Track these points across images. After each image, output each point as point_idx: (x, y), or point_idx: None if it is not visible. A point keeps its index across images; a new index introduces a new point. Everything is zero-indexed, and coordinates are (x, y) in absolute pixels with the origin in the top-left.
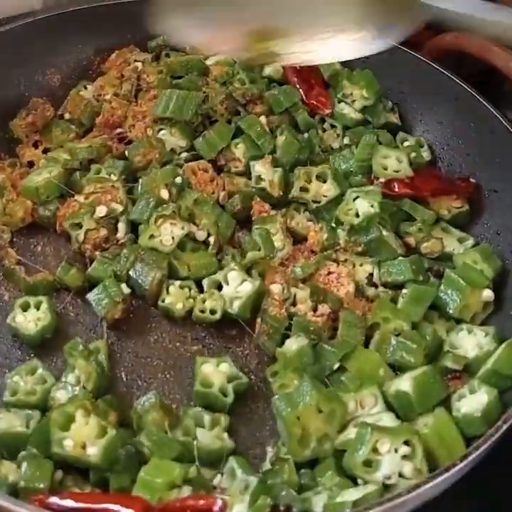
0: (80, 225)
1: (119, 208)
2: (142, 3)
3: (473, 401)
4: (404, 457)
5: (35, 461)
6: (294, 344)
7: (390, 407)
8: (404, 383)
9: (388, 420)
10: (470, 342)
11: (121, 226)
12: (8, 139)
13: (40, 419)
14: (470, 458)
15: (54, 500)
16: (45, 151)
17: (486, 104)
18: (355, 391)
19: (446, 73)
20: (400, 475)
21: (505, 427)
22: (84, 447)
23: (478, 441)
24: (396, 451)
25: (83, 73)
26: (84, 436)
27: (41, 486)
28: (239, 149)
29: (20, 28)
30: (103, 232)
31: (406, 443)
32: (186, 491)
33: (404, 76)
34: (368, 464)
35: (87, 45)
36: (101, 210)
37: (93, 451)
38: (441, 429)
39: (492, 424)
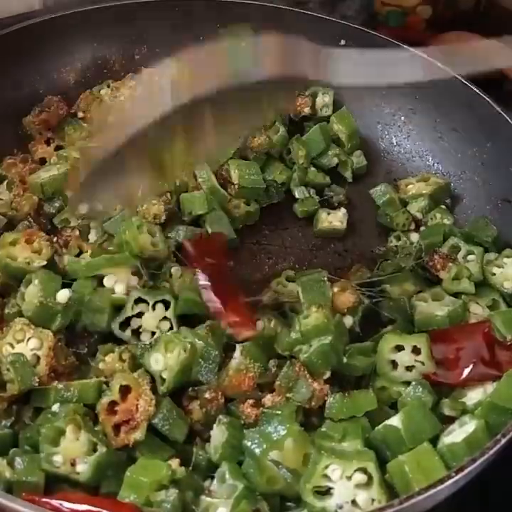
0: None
1: None
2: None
3: (460, 432)
4: (359, 486)
5: (28, 456)
6: None
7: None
8: (394, 418)
9: None
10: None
11: None
12: (21, 136)
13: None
14: (466, 471)
15: (45, 500)
16: (58, 148)
17: (500, 111)
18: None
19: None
20: (355, 504)
21: (504, 440)
22: (73, 464)
23: (475, 454)
24: (349, 478)
25: (98, 72)
26: (74, 453)
27: (35, 479)
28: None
29: (35, 26)
30: None
31: (361, 470)
32: (173, 492)
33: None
34: (319, 491)
35: (102, 44)
36: None
37: (82, 469)
38: (420, 456)
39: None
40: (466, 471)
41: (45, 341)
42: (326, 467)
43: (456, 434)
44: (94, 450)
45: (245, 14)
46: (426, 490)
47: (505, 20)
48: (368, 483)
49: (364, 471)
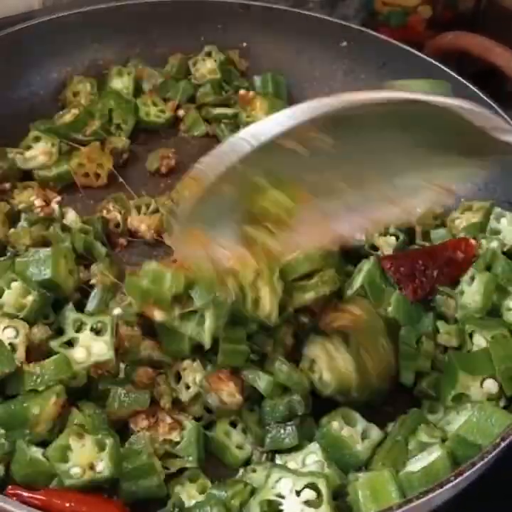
0: None
1: None
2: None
3: (423, 461)
4: (307, 503)
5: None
6: None
7: None
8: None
9: None
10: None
11: None
12: (19, 136)
13: None
14: (465, 475)
15: (28, 495)
16: None
17: (500, 112)
18: None
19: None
20: None
21: (503, 444)
22: (92, 467)
23: (474, 458)
24: (298, 494)
25: (98, 72)
26: (87, 459)
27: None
28: None
29: (35, 26)
30: None
31: (312, 486)
32: None
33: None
34: (268, 506)
35: (102, 44)
36: None
37: (101, 467)
38: (376, 481)
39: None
40: (465, 475)
41: (20, 329)
42: (277, 481)
43: (418, 463)
44: (103, 446)
45: (245, 14)
46: (425, 494)
47: (505, 20)
48: (318, 502)
49: (315, 487)
